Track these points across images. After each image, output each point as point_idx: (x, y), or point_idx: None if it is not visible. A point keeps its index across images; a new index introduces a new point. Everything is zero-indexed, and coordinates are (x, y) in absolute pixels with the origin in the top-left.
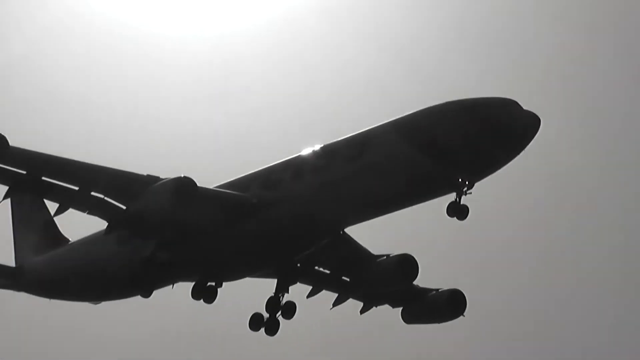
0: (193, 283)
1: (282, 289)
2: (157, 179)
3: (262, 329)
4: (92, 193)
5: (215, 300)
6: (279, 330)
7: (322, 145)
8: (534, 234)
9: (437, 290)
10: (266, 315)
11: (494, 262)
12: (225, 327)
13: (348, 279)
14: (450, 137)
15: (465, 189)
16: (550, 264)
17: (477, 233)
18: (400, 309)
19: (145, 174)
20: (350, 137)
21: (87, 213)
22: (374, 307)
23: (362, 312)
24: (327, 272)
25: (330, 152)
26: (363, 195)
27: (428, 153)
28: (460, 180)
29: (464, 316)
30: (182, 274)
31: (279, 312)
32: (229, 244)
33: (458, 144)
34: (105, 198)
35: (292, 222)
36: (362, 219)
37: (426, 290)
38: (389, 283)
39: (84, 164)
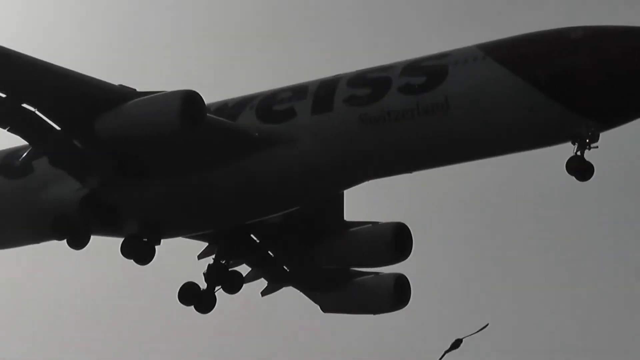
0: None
1: (225, 254)
2: (134, 91)
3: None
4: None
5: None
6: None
7: (358, 70)
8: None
9: (375, 273)
10: (203, 285)
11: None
12: (148, 296)
13: (272, 253)
14: (580, 68)
15: (590, 140)
16: None
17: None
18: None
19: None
20: (409, 61)
21: (8, 130)
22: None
23: (264, 293)
24: (257, 240)
25: (379, 79)
26: (430, 139)
27: (546, 87)
28: (585, 127)
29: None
30: (119, 222)
31: (219, 285)
32: (206, 188)
33: (591, 78)
34: (36, 112)
35: (302, 169)
36: (404, 170)
37: (354, 273)
38: (374, 258)
39: (34, 61)
